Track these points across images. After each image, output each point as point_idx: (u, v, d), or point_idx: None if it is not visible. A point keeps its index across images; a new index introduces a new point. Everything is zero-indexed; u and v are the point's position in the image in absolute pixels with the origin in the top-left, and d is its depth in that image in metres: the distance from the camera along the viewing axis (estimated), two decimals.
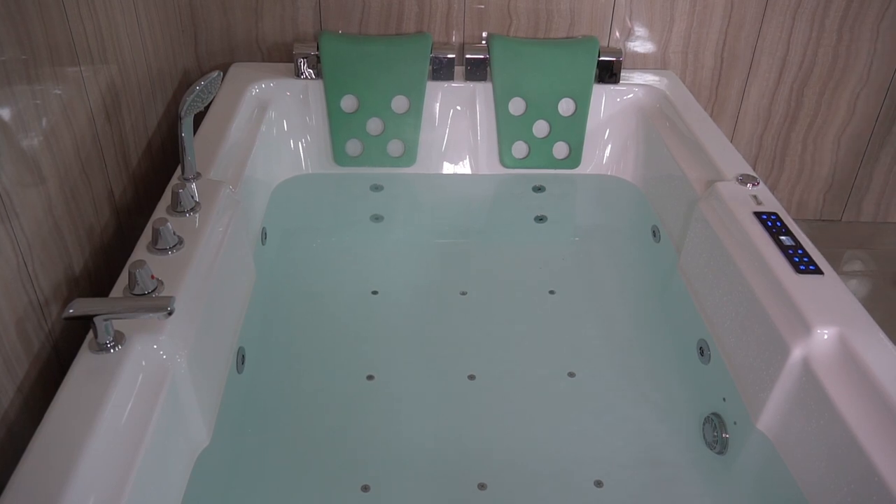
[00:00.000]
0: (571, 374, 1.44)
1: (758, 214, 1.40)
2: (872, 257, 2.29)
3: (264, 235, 1.73)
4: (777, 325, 1.20)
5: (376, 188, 1.94)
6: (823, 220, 2.34)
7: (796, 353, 1.16)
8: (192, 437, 1.16)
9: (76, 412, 0.94)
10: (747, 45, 2.02)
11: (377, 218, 1.86)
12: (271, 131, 1.88)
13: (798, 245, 1.32)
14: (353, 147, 1.95)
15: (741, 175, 1.53)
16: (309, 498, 1.21)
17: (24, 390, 1.07)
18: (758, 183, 1.50)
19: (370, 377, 1.42)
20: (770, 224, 1.37)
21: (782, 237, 1.33)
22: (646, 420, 1.35)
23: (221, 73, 1.42)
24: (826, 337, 1.15)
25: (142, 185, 1.59)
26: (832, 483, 1.07)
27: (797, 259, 1.28)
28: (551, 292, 1.65)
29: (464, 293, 1.63)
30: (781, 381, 1.19)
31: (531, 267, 1.72)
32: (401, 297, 1.61)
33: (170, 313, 0.99)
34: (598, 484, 1.25)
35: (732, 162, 1.60)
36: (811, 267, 1.26)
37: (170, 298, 1.00)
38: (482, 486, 1.23)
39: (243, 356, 1.41)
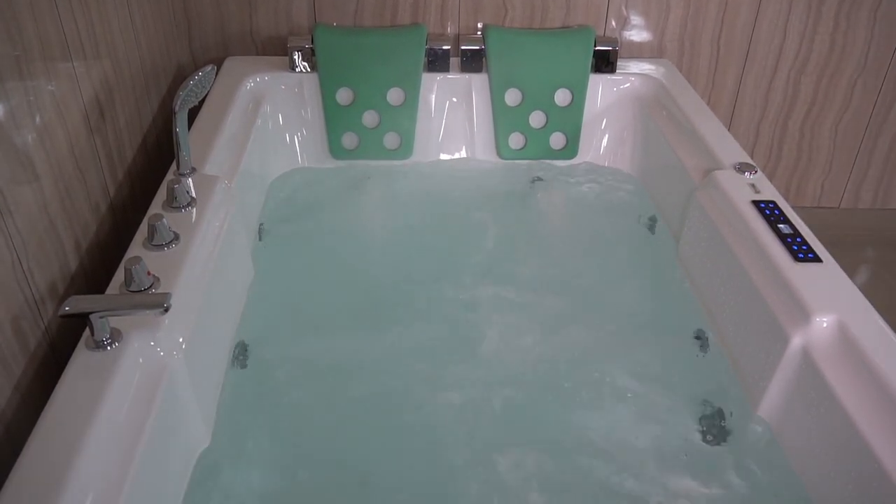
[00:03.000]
0: (570, 364, 1.44)
1: (756, 203, 1.40)
2: (871, 244, 2.29)
3: (261, 230, 1.72)
4: (776, 314, 1.20)
5: (373, 181, 1.93)
6: (822, 208, 2.34)
7: (795, 342, 1.16)
8: (190, 435, 1.16)
9: (73, 410, 0.93)
10: (744, 32, 2.02)
11: (374, 210, 1.85)
12: (266, 125, 1.87)
13: (796, 233, 1.31)
14: (349, 140, 1.94)
15: (739, 163, 1.53)
16: (308, 493, 1.21)
17: (21, 388, 1.07)
18: (756, 171, 1.50)
19: (371, 372, 1.41)
20: (768, 212, 1.37)
21: (780, 225, 1.33)
22: (644, 409, 1.35)
23: (215, 68, 1.41)
24: (825, 325, 1.15)
25: (137, 181, 1.59)
26: (832, 471, 1.07)
27: (796, 247, 1.27)
28: (549, 284, 1.64)
29: (461, 289, 1.62)
30: (780, 370, 1.18)
31: (528, 258, 1.71)
32: (399, 291, 1.61)
33: (166, 310, 0.99)
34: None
35: (730, 150, 1.60)
36: (810, 255, 1.26)
37: (166, 295, 0.99)
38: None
39: (241, 352, 1.41)
